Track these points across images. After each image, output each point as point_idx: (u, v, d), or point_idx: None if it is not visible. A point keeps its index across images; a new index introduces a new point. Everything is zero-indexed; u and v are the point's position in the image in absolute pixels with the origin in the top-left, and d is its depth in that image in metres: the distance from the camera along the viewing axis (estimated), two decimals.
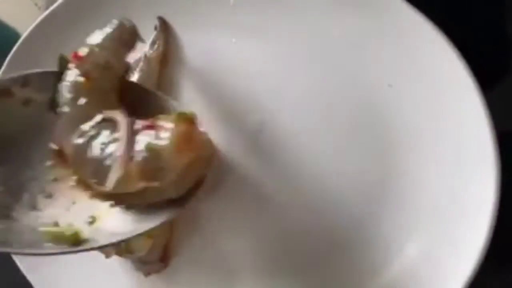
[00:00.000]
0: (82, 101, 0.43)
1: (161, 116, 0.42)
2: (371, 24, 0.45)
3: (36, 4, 0.65)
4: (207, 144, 0.43)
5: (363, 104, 0.46)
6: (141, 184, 0.39)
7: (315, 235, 0.47)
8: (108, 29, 0.46)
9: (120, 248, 0.47)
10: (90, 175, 0.42)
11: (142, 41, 0.47)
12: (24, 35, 0.56)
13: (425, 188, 0.44)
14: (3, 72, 0.56)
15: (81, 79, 0.44)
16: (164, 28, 0.51)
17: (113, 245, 0.44)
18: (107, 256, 0.49)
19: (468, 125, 0.42)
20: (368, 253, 0.46)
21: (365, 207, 0.46)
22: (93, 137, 0.42)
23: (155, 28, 0.51)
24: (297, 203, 0.47)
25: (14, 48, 0.56)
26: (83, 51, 0.44)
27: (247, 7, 0.48)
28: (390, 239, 0.45)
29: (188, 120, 0.41)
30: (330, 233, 0.46)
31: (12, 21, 0.67)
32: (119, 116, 0.42)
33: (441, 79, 0.43)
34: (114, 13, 0.49)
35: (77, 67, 0.44)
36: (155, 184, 0.40)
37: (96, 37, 0.45)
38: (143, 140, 0.39)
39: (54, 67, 0.47)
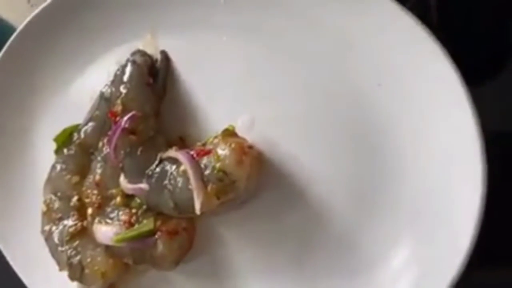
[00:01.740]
0: (138, 152, 0.49)
1: (206, 140, 0.48)
2: (359, 23, 0.45)
3: (28, 2, 0.66)
4: (254, 147, 0.48)
5: (353, 103, 0.46)
6: (221, 200, 0.45)
7: (301, 236, 0.47)
8: (126, 75, 0.51)
9: (74, 272, 0.52)
10: (170, 209, 0.48)
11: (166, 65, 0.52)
12: (18, 29, 0.58)
13: (412, 189, 0.44)
14: None
15: (132, 136, 0.50)
16: (166, 61, 0.54)
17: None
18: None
19: (455, 125, 0.41)
20: (354, 256, 0.46)
21: (352, 209, 0.46)
22: (160, 177, 0.48)
23: (157, 62, 0.53)
24: (283, 201, 0.48)
25: (9, 42, 0.58)
26: (117, 108, 0.50)
27: (238, 6, 0.49)
28: (377, 242, 0.45)
29: (234, 133, 0.48)
30: (317, 237, 0.47)
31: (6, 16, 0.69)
32: (175, 152, 0.48)
33: (429, 78, 0.43)
34: (106, 12, 0.49)
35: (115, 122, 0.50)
36: (231, 196, 0.46)
37: (122, 88, 0.51)
38: (207, 165, 0.45)
39: (47, 61, 0.50)
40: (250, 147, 0.47)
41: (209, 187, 0.45)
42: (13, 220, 0.60)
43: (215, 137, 0.47)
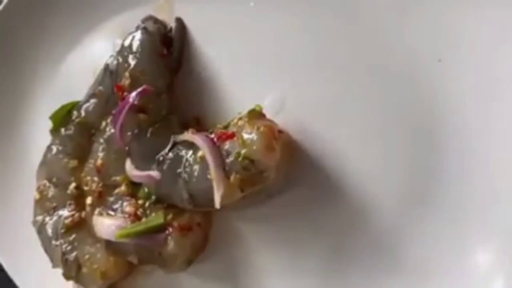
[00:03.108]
0: (148, 133, 0.45)
1: (229, 122, 0.43)
2: None
3: None
4: (285, 132, 0.43)
5: (405, 82, 0.40)
6: (245, 193, 0.41)
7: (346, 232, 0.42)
8: (136, 44, 0.47)
9: (69, 270, 0.48)
10: (184, 202, 0.43)
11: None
12: None
13: (474, 189, 0.38)
14: None
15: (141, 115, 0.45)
16: (182, 29, 0.49)
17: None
18: None
19: None
20: (395, 260, 0.41)
21: (397, 208, 0.41)
22: (174, 164, 0.43)
23: (171, 30, 0.49)
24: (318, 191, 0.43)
25: None
26: (124, 82, 0.46)
27: None
28: (426, 247, 0.40)
29: (261, 115, 0.42)
30: (353, 239, 0.42)
31: None
32: (192, 136, 0.43)
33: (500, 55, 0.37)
34: None
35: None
36: (257, 188, 0.41)
37: (131, 59, 0.46)
38: (230, 151, 0.40)
39: (41, 28, 0.50)
40: (281, 131, 0.42)
41: (231, 177, 0.40)
42: (1, 209, 0.56)
43: (239, 118, 0.42)
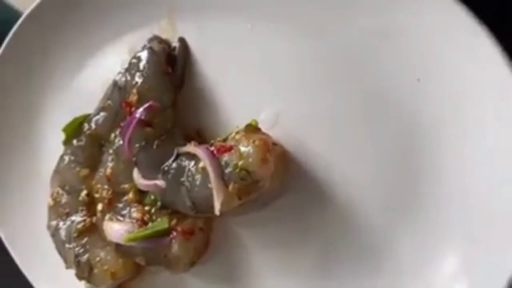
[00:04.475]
0: (154, 145, 0.47)
1: (227, 136, 0.45)
2: (395, 12, 0.41)
3: None
4: (279, 145, 0.45)
5: (389, 99, 0.43)
6: (243, 200, 0.43)
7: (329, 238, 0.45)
8: (143, 62, 0.48)
9: (82, 271, 0.50)
10: (187, 208, 0.45)
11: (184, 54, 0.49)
12: (24, 14, 0.56)
13: (454, 192, 0.41)
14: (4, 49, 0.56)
15: (148, 129, 0.47)
16: (184, 48, 0.51)
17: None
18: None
19: (505, 124, 0.38)
20: (387, 263, 0.43)
21: (385, 213, 0.43)
22: (177, 173, 0.45)
23: (174, 49, 0.50)
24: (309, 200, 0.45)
25: (15, 27, 0.56)
26: (132, 98, 0.47)
27: None
28: (412, 248, 0.42)
29: (257, 129, 0.44)
30: (345, 242, 0.44)
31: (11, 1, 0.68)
32: (195, 148, 0.45)
33: (475, 71, 0.39)
34: None
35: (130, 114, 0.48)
36: (254, 196, 0.43)
37: (138, 77, 0.48)
38: (228, 162, 0.42)
39: (55, 46, 0.50)
40: (275, 144, 0.45)
41: (230, 187, 0.42)
42: (19, 213, 0.58)
43: (237, 132, 0.44)
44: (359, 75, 0.44)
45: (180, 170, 0.45)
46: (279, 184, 0.45)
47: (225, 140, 0.45)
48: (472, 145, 0.40)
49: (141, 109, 0.47)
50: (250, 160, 0.42)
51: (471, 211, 0.40)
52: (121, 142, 0.49)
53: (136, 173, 0.48)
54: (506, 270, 0.38)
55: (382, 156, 0.43)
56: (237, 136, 0.44)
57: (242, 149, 0.42)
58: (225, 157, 0.43)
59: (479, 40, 0.38)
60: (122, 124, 0.49)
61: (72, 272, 0.51)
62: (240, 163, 0.42)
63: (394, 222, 0.43)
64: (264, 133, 0.45)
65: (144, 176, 0.47)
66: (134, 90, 0.48)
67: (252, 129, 0.44)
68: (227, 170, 0.42)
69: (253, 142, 0.42)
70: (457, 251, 0.40)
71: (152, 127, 0.47)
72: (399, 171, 0.42)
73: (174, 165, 0.46)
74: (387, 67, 0.42)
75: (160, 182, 0.46)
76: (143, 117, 0.47)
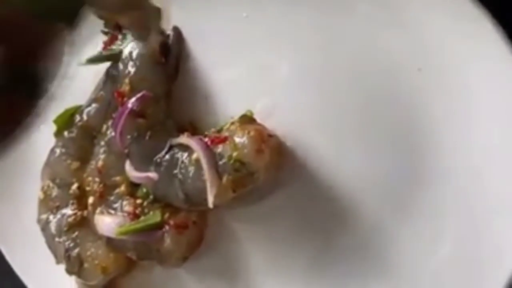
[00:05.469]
0: (146, 137, 0.46)
1: (222, 126, 0.44)
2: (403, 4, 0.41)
3: None
4: (275, 136, 0.44)
5: (387, 89, 0.42)
6: (237, 193, 0.42)
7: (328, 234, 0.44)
8: (136, 51, 0.47)
9: (72, 266, 0.49)
10: (180, 201, 0.44)
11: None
12: None
13: (451, 187, 0.40)
14: None
15: (140, 120, 0.46)
16: (179, 38, 0.49)
17: None
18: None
19: (505, 119, 0.38)
20: (386, 259, 0.42)
21: (382, 208, 0.42)
22: (170, 165, 0.44)
23: (169, 38, 0.49)
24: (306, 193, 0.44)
25: None
26: (124, 88, 0.46)
27: None
28: (412, 243, 0.41)
29: (252, 120, 0.44)
30: (343, 237, 0.43)
31: None
32: (188, 139, 0.44)
33: (480, 64, 0.38)
34: None
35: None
36: (248, 189, 0.42)
37: (131, 67, 0.47)
38: (223, 153, 0.42)
39: None
40: (271, 135, 0.44)
41: (224, 179, 0.41)
42: (8, 207, 0.57)
43: (232, 123, 0.44)
44: (357, 66, 0.43)
45: (173, 162, 0.44)
46: (275, 177, 0.44)
47: (219, 131, 0.44)
48: (473, 139, 0.39)
49: (133, 99, 0.46)
50: (245, 151, 0.41)
51: (469, 210, 0.39)
52: (113, 133, 0.48)
53: (128, 165, 0.47)
54: (505, 270, 0.37)
55: (380, 148, 0.42)
56: (232, 127, 0.43)
57: (237, 140, 0.41)
58: (219, 149, 0.42)
59: (481, 28, 0.38)
60: (114, 115, 0.48)
61: (62, 267, 0.50)
62: (235, 154, 0.41)
63: (392, 220, 0.42)
64: (259, 124, 0.44)
65: (137, 168, 0.46)
66: (127, 80, 0.47)
67: (247, 119, 0.44)
68: (221, 162, 0.42)
69: (248, 132, 0.41)
70: (454, 249, 0.40)
71: (144, 118, 0.46)
72: (398, 163, 0.42)
73: (167, 157, 0.45)
74: (387, 58, 0.41)
75: (153, 175, 0.45)
76: (135, 108, 0.46)
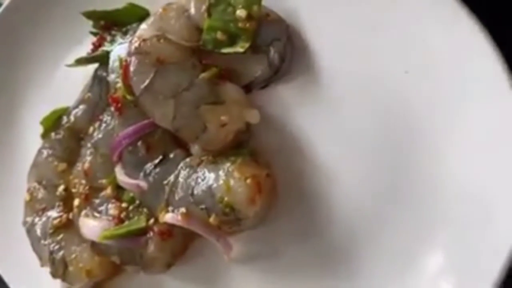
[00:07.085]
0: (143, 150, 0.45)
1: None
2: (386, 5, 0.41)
3: None
4: (271, 176, 0.44)
5: (377, 92, 0.42)
6: (223, 230, 0.43)
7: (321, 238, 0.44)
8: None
9: (57, 269, 0.49)
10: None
11: None
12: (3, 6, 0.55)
13: (444, 189, 0.40)
14: None
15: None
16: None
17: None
18: None
19: (495, 119, 0.38)
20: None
21: (375, 209, 0.42)
22: (160, 177, 0.44)
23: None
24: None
25: None
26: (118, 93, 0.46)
27: None
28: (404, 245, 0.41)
29: (253, 161, 0.43)
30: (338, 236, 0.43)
31: None
32: (179, 152, 0.45)
33: (465, 67, 0.39)
34: None
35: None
36: (234, 230, 0.43)
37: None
38: (214, 192, 0.41)
39: (35, 35, 0.51)
40: (268, 175, 0.43)
41: (211, 218, 0.42)
42: None
43: (232, 161, 0.42)
44: (347, 66, 0.43)
45: (164, 175, 0.44)
46: (264, 216, 0.44)
47: None
48: (461, 141, 0.39)
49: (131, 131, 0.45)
50: (237, 198, 0.40)
51: (458, 212, 0.39)
52: (100, 136, 0.48)
53: (119, 169, 0.46)
54: (491, 273, 0.37)
55: (370, 152, 0.42)
56: (230, 168, 0.42)
57: (232, 183, 0.41)
58: (212, 175, 0.42)
59: (465, 29, 0.38)
60: (101, 117, 0.48)
61: (47, 270, 0.50)
62: (226, 198, 0.41)
63: (381, 220, 0.42)
64: (259, 166, 0.43)
65: (127, 174, 0.46)
66: (119, 83, 0.46)
67: (245, 162, 0.43)
68: (210, 199, 0.41)
69: (245, 179, 0.41)
70: (443, 252, 0.40)
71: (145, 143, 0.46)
72: (387, 166, 0.42)
73: (157, 169, 0.45)
74: (375, 59, 0.42)
75: (143, 183, 0.45)
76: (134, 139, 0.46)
